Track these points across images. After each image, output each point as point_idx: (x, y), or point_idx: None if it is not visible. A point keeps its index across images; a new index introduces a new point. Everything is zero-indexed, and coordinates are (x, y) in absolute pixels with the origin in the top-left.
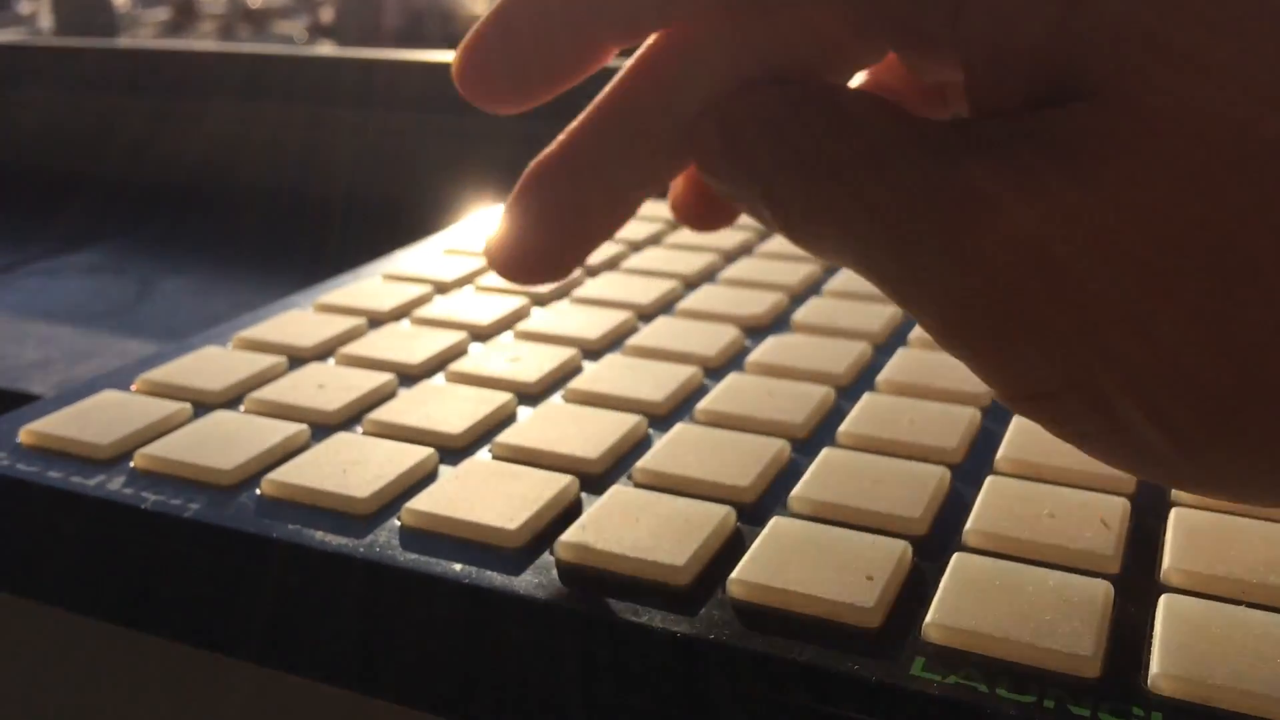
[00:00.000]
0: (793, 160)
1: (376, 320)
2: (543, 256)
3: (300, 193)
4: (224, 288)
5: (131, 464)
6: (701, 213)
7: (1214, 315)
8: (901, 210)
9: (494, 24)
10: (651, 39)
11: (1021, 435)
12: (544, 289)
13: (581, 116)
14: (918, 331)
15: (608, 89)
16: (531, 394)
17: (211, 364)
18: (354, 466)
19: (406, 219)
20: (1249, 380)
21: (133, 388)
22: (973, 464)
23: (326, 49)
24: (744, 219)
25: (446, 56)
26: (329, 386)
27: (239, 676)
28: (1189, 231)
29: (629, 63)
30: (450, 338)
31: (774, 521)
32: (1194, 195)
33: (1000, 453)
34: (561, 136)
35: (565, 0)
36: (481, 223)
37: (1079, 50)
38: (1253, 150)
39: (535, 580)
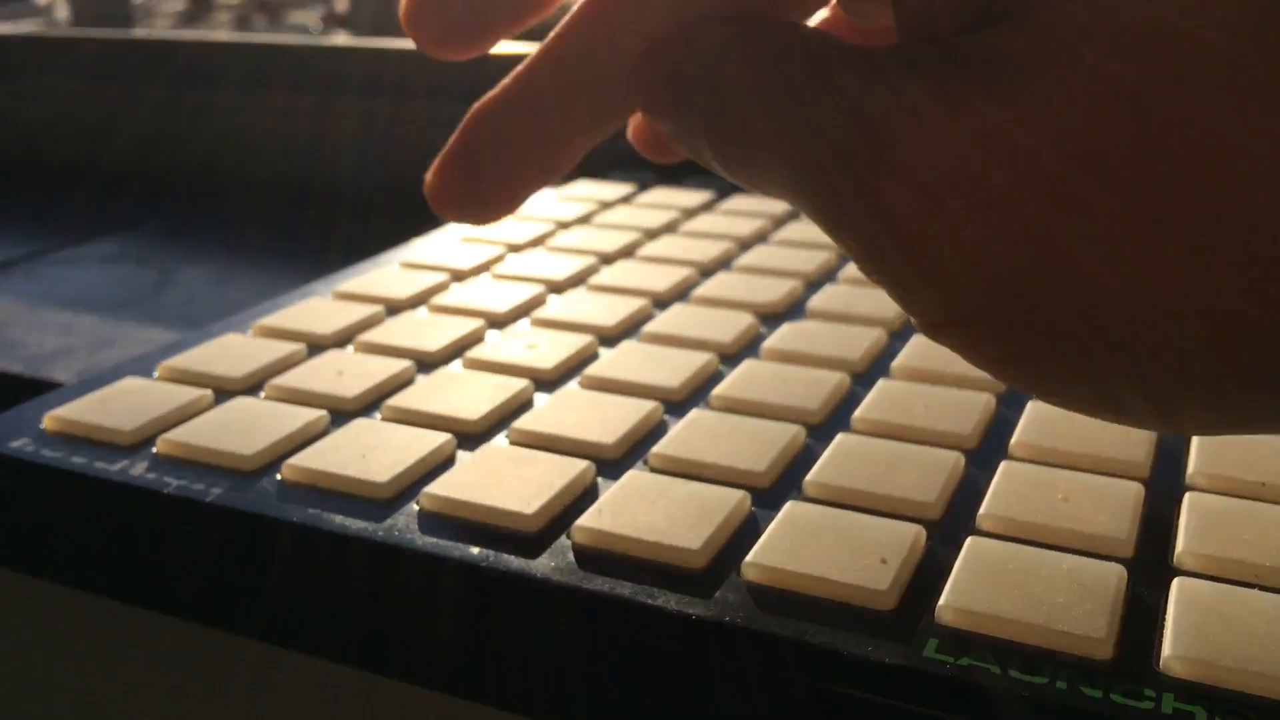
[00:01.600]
0: (729, 94)
1: (394, 308)
2: (479, 195)
3: (315, 181)
4: (242, 276)
5: (154, 450)
6: (657, 141)
7: (1127, 235)
8: (834, 130)
9: None
10: None
11: (1036, 420)
12: (485, 229)
13: (526, 62)
14: None
15: (552, 35)
16: (548, 380)
17: (232, 351)
18: (373, 452)
19: (423, 207)
20: (1161, 304)
21: (155, 374)
22: (987, 449)
23: (340, 38)
24: (758, 206)
25: None
26: (348, 373)
27: (258, 658)
28: (1107, 149)
29: (574, 8)
30: (467, 325)
31: (789, 506)
32: (1111, 112)
33: (1015, 438)
34: (506, 80)
35: None
36: None
37: None
38: (1171, 62)
39: (551, 564)
